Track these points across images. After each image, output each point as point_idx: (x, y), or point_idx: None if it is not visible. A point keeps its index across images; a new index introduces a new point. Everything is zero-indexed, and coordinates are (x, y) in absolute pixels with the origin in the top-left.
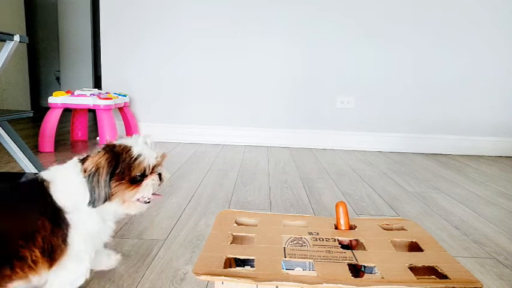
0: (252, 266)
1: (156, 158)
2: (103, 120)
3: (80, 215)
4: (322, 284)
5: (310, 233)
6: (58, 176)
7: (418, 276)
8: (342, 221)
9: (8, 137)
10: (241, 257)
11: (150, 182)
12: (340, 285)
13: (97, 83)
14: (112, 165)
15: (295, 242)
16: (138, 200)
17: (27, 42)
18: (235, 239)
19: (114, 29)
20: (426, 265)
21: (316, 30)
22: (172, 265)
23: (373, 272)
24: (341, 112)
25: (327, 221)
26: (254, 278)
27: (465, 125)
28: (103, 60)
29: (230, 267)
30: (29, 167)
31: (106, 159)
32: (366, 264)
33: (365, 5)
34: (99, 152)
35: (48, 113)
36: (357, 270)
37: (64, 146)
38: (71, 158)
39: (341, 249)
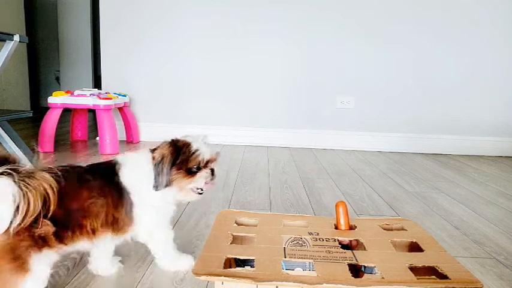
0: (252, 266)
1: (211, 154)
2: (103, 120)
3: (142, 195)
4: (322, 284)
5: (310, 233)
6: (129, 161)
7: (418, 277)
8: (342, 221)
9: (7, 136)
10: (241, 257)
11: (203, 174)
12: (340, 285)
13: (97, 83)
14: (174, 157)
15: (295, 242)
16: (192, 189)
17: (27, 42)
18: (235, 239)
19: (114, 29)
20: (426, 265)
21: (316, 30)
22: None
23: (373, 272)
24: (341, 112)
25: (327, 221)
26: (254, 278)
27: (465, 125)
28: (103, 60)
29: (230, 267)
30: None
31: (169, 151)
32: (366, 265)
33: (365, 5)
34: (166, 144)
35: (48, 113)
36: (356, 270)
37: (64, 146)
38: (70, 158)
39: (341, 249)
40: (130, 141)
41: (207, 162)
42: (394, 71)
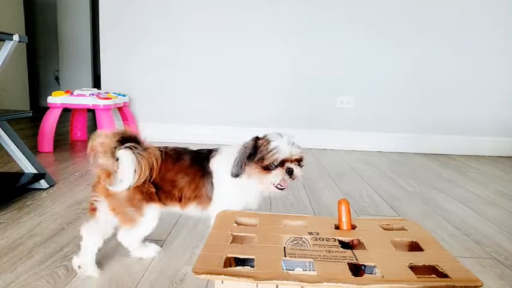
0: (251, 267)
1: (290, 154)
2: (102, 120)
3: (223, 181)
4: (322, 283)
5: (310, 233)
6: (223, 151)
7: (418, 276)
8: (344, 219)
9: (7, 137)
10: (241, 257)
11: (278, 172)
12: (341, 284)
13: (96, 83)
14: (247, 152)
15: (295, 242)
16: (273, 183)
17: (27, 42)
18: (235, 239)
19: (113, 29)
20: (426, 264)
21: (316, 31)
22: (172, 265)
23: (373, 271)
24: (341, 112)
25: (327, 221)
26: (254, 277)
27: (465, 125)
28: (102, 60)
29: (230, 266)
30: (28, 167)
31: (248, 146)
32: (366, 264)
33: (365, 5)
34: (250, 140)
35: (48, 113)
36: (357, 269)
37: (63, 145)
38: (69, 158)
39: (341, 248)
40: None
41: (284, 161)
42: (394, 71)
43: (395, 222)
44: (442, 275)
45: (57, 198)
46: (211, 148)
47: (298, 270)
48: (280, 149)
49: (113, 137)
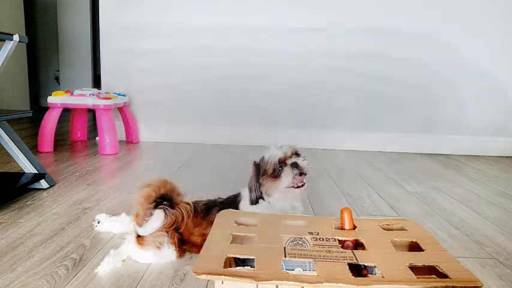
0: (251, 266)
1: (283, 154)
2: (102, 120)
3: None
4: (322, 283)
5: (310, 233)
6: (245, 194)
7: (418, 276)
8: (347, 227)
9: (7, 137)
10: (241, 257)
11: (286, 171)
12: (341, 284)
13: (97, 83)
14: (256, 173)
15: (295, 242)
16: (292, 186)
17: (27, 42)
18: (235, 239)
19: (113, 29)
20: (426, 264)
21: (317, 30)
22: (172, 265)
23: (373, 272)
24: (341, 112)
25: (327, 221)
26: (254, 277)
27: (465, 125)
28: (102, 60)
29: (230, 267)
30: (28, 167)
31: (252, 171)
32: (366, 264)
33: (365, 3)
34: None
35: (48, 113)
36: (359, 274)
37: (63, 146)
38: (70, 158)
39: (341, 248)
40: (130, 141)
41: (284, 161)
42: (395, 70)
43: (395, 223)
44: (442, 276)
45: (57, 198)
46: (236, 194)
47: (298, 270)
48: (272, 153)
49: (153, 196)
